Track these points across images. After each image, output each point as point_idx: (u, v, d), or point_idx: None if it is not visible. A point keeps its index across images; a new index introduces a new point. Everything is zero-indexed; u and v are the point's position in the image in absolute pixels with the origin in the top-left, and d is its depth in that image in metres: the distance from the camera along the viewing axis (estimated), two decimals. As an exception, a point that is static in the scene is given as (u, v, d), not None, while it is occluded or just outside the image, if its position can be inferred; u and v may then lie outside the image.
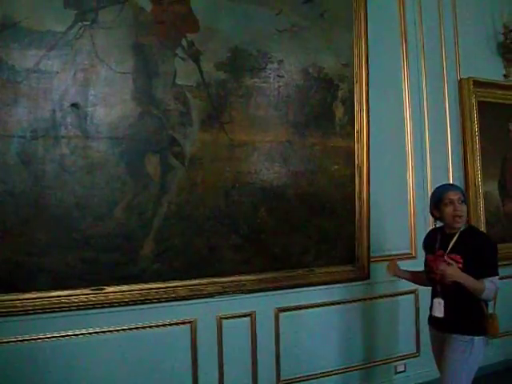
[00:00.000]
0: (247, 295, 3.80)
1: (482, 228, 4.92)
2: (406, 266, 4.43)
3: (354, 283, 4.22)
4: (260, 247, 3.78)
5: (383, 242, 4.37)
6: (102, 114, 3.31)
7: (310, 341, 4.03)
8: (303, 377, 4.06)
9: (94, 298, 3.32)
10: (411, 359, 4.62)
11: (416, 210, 4.63)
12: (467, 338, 3.10)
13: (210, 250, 3.63)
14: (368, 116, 4.18)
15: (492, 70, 5.17)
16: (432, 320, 3.33)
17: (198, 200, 3.58)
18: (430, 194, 4.61)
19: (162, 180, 3.47)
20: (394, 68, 4.59)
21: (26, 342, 3.20)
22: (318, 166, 4.00)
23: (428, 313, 3.37)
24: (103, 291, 3.33)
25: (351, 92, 4.14)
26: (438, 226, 3.46)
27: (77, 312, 3.29)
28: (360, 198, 4.17)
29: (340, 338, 4.21)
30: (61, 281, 3.23)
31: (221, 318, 3.74)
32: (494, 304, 3.27)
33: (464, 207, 3.19)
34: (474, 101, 4.95)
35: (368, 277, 4.26)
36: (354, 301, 4.29)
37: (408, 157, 4.61)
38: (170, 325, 3.59)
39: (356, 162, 4.16)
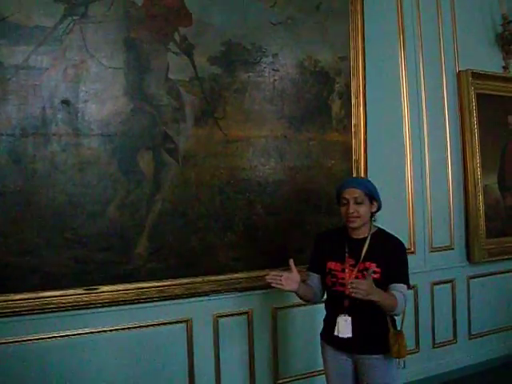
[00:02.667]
0: (243, 293, 3.75)
1: (482, 222, 4.88)
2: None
3: (352, 280, 4.16)
4: (256, 244, 3.73)
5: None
6: (94, 111, 3.24)
7: (308, 339, 3.97)
8: (301, 375, 4.02)
9: (87, 298, 3.26)
10: (410, 355, 4.54)
11: (414, 205, 4.59)
12: (388, 355, 2.77)
13: (205, 248, 3.57)
14: (365, 110, 4.13)
15: (491, 61, 5.11)
16: (333, 340, 2.87)
17: (193, 197, 3.52)
18: (428, 188, 4.66)
19: (156, 177, 3.41)
20: (392, 61, 4.54)
21: (18, 343, 3.14)
22: (315, 162, 3.95)
23: (320, 329, 3.04)
24: (96, 291, 3.27)
25: (348, 86, 4.09)
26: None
27: (70, 312, 3.24)
28: (357, 193, 4.11)
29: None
30: (53, 281, 3.17)
31: (217, 317, 3.69)
32: (403, 320, 2.94)
33: (361, 207, 2.80)
34: (472, 93, 4.89)
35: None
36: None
37: (406, 151, 4.56)
38: (165, 324, 3.53)
39: (353, 156, 4.11)
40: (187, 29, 3.50)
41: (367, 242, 2.84)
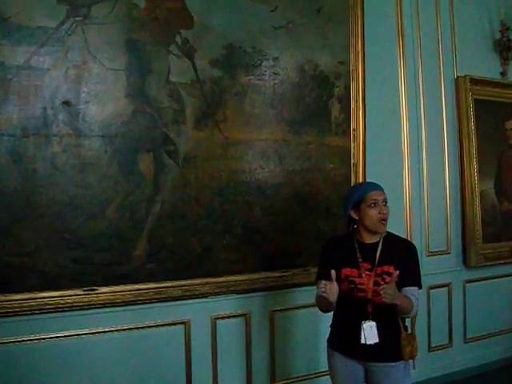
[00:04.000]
0: (241, 295, 3.76)
1: (478, 227, 4.90)
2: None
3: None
4: (254, 247, 3.74)
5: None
6: (95, 112, 3.26)
7: (305, 341, 3.99)
8: (298, 377, 4.02)
9: (86, 299, 3.27)
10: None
11: (411, 209, 4.60)
12: (402, 363, 2.75)
13: (204, 250, 3.58)
14: (364, 114, 4.16)
15: (489, 67, 5.12)
16: (344, 347, 2.83)
17: (192, 199, 3.53)
18: (426, 192, 4.67)
19: (156, 179, 3.42)
20: (391, 65, 4.55)
21: (16, 343, 3.14)
22: (314, 165, 3.96)
23: (319, 332, 3.05)
24: (95, 292, 3.28)
25: (347, 90, 4.12)
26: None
27: (69, 313, 3.24)
28: (356, 197, 4.13)
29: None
30: (52, 281, 3.18)
31: (215, 319, 3.70)
32: (414, 323, 2.97)
33: (388, 209, 2.80)
34: (470, 99, 4.91)
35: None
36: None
37: (404, 155, 4.57)
38: (164, 325, 3.53)
39: (352, 160, 4.14)
40: (189, 31, 3.52)
41: (380, 245, 2.80)
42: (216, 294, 3.65)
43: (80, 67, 3.22)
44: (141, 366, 3.49)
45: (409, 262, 2.80)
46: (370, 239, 2.84)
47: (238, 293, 3.73)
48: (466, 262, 4.92)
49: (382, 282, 2.66)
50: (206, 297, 3.63)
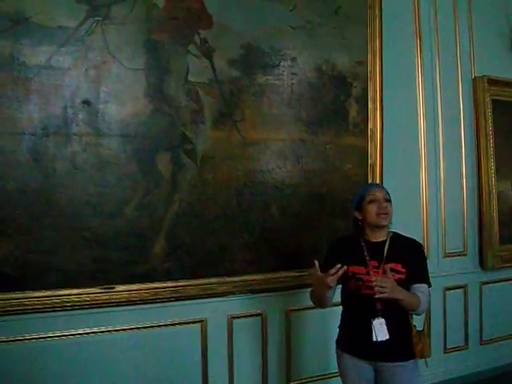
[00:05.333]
0: (258, 295, 3.76)
1: (495, 228, 4.88)
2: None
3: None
4: (271, 246, 3.74)
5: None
6: (114, 111, 3.28)
7: (322, 341, 3.98)
8: (314, 377, 4.03)
9: (104, 297, 3.28)
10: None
11: (428, 210, 4.59)
12: (411, 362, 2.76)
13: (221, 249, 3.60)
14: (382, 114, 4.16)
15: (507, 68, 5.10)
16: (354, 348, 2.83)
17: (210, 198, 3.55)
18: (443, 193, 4.66)
19: (174, 178, 3.44)
20: (408, 66, 4.54)
21: (34, 340, 3.17)
22: (331, 165, 3.97)
23: (337, 337, 2.96)
24: (114, 290, 3.30)
25: (365, 90, 4.11)
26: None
27: (87, 310, 3.26)
28: (373, 197, 4.13)
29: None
30: (71, 279, 3.20)
31: (231, 318, 3.71)
32: (426, 320, 2.96)
33: (390, 206, 2.86)
34: (488, 99, 4.89)
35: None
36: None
37: (421, 156, 4.56)
38: (180, 324, 3.55)
39: (369, 160, 4.13)
40: (207, 31, 3.53)
41: (387, 243, 2.83)
42: (232, 293, 3.66)
43: (99, 67, 3.24)
44: (157, 365, 3.50)
45: (416, 259, 2.84)
46: (376, 238, 2.87)
47: (254, 292, 3.74)
48: (482, 263, 4.90)
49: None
50: (222, 296, 3.64)
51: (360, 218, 2.91)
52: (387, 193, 2.94)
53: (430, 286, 2.84)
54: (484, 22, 4.98)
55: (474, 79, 4.89)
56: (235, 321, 3.73)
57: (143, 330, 3.46)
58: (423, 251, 2.97)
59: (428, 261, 4.36)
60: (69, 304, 3.21)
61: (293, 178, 3.83)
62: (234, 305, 3.71)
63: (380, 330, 2.69)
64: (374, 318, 2.70)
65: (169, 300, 3.48)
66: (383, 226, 2.85)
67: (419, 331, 2.81)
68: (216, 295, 3.62)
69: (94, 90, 3.23)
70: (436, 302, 4.62)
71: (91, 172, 3.23)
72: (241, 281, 3.67)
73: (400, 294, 2.60)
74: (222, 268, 3.61)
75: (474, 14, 4.93)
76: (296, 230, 3.84)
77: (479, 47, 4.94)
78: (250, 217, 3.68)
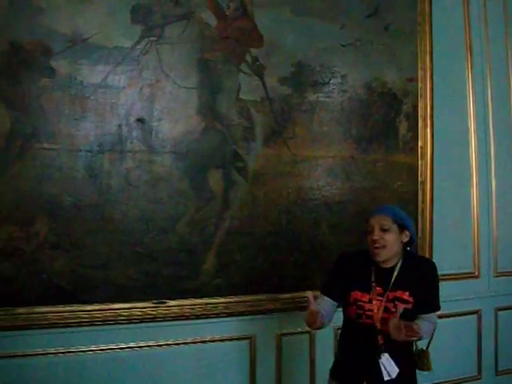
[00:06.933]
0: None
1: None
2: (466, 287, 4.37)
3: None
4: (321, 264, 3.70)
5: (445, 261, 4.22)
6: (167, 129, 3.34)
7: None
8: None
9: (154, 312, 3.33)
10: (472, 382, 4.49)
11: (480, 228, 4.49)
12: None
13: (271, 266, 3.61)
14: (432, 131, 4.12)
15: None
16: (350, 380, 2.65)
17: (260, 215, 3.57)
18: (494, 211, 4.57)
19: (225, 195, 3.48)
20: (459, 81, 4.47)
21: (89, 352, 3.24)
22: (381, 183, 3.94)
23: (331, 366, 2.81)
24: (165, 304, 3.34)
25: (415, 107, 4.08)
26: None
27: (137, 325, 3.31)
28: (423, 215, 4.10)
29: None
30: (123, 293, 3.26)
31: (280, 335, 3.70)
32: (429, 342, 2.81)
33: (388, 235, 2.56)
34: (541, 115, 4.79)
35: (429, 296, 4.13)
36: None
37: (472, 172, 4.48)
38: (230, 340, 3.57)
39: (419, 178, 4.09)
40: (258, 50, 3.57)
41: (397, 270, 2.62)
42: (282, 310, 3.65)
43: (153, 85, 3.31)
44: (205, 380, 3.52)
45: (427, 286, 2.64)
46: (386, 264, 2.63)
47: (303, 310, 3.72)
48: (535, 283, 4.77)
49: (393, 310, 2.51)
50: (272, 313, 3.63)
51: None
52: (396, 216, 2.64)
53: (439, 309, 2.72)
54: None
55: (527, 93, 4.80)
56: (284, 338, 3.72)
57: (193, 344, 3.48)
58: (435, 273, 2.73)
59: (479, 280, 4.40)
60: (121, 318, 3.26)
61: (343, 195, 3.82)
62: (283, 322, 3.70)
63: (390, 367, 2.51)
64: (379, 355, 2.53)
65: (219, 316, 3.50)
66: (377, 261, 2.62)
67: (420, 350, 2.76)
68: (265, 312, 3.62)
69: (147, 108, 3.30)
70: (487, 323, 4.52)
71: (144, 188, 3.29)
72: (290, 298, 3.66)
73: (414, 331, 2.38)
74: (272, 285, 3.61)
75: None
76: (345, 247, 3.78)
77: (531, 61, 4.85)
78: (300, 234, 3.68)
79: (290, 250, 3.66)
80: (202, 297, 3.44)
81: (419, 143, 4.09)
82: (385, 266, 2.63)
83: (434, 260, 4.03)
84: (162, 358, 3.41)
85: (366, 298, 2.59)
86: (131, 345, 3.34)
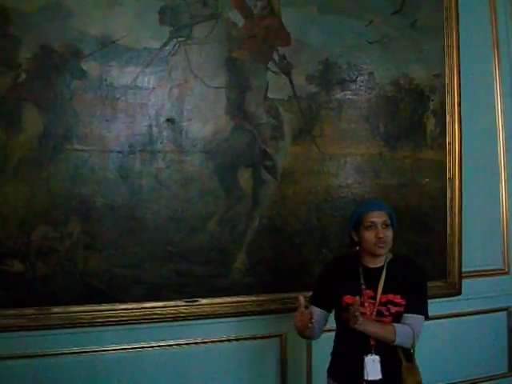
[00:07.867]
0: (337, 310, 3.75)
1: None
2: (496, 283, 4.33)
3: (444, 299, 4.06)
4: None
5: (475, 257, 4.21)
6: (197, 129, 3.36)
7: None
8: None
9: (186, 310, 3.36)
10: (502, 379, 4.44)
11: (509, 224, 4.43)
12: None
13: (301, 264, 3.61)
14: (460, 127, 4.07)
15: None
16: (346, 380, 2.63)
17: (290, 214, 3.58)
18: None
19: (254, 193, 3.49)
20: (486, 76, 4.42)
21: (121, 351, 3.28)
22: (409, 179, 3.92)
23: (327, 367, 2.79)
24: (197, 303, 3.37)
25: (443, 103, 4.05)
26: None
27: (170, 323, 3.34)
28: (452, 212, 4.06)
29: (428, 354, 4.06)
30: (155, 292, 3.30)
31: (310, 333, 3.71)
32: (413, 353, 2.63)
33: (389, 232, 2.61)
34: None
35: (459, 292, 4.12)
36: (444, 317, 4.14)
37: (501, 168, 4.42)
38: (261, 338, 3.59)
39: (448, 174, 4.06)
40: (286, 48, 3.57)
41: (384, 271, 2.62)
42: (312, 307, 3.66)
43: (183, 86, 3.34)
44: (236, 377, 3.55)
45: (414, 288, 2.60)
46: (374, 263, 2.66)
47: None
48: None
49: (387, 313, 2.54)
50: (302, 310, 3.64)
51: (357, 239, 2.69)
52: (389, 212, 2.69)
53: (426, 316, 2.63)
54: None
55: (554, 88, 4.74)
56: (314, 335, 3.72)
57: (225, 342, 3.51)
58: (422, 276, 2.72)
59: (509, 276, 4.34)
60: (153, 316, 3.29)
61: (372, 192, 3.80)
62: (314, 320, 3.70)
63: (372, 369, 2.50)
64: (366, 355, 2.53)
65: (250, 314, 3.52)
66: (379, 255, 2.65)
67: (409, 364, 2.58)
68: (295, 310, 3.60)
69: (177, 108, 3.33)
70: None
71: (175, 188, 3.32)
72: (320, 295, 3.66)
73: (369, 326, 2.45)
74: (302, 282, 3.57)
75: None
76: (374, 244, 3.81)
77: (559, 56, 4.79)
78: (330, 232, 3.68)
79: (319, 248, 3.66)
80: (232, 295, 3.46)
81: (447, 139, 4.05)
82: (373, 265, 2.66)
83: (463, 257, 4.04)
84: (193, 356, 3.43)
85: (359, 301, 2.52)
86: (161, 343, 3.37)
